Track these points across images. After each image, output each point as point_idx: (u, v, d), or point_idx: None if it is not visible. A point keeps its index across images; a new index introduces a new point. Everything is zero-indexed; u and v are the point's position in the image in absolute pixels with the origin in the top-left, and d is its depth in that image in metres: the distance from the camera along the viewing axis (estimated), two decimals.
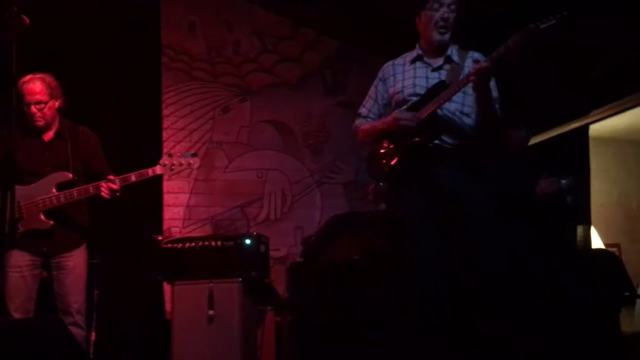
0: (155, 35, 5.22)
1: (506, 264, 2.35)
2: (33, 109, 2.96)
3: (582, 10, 3.67)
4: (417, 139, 2.42)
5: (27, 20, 2.24)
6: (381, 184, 2.79)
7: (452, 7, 2.45)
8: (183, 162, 3.05)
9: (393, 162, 2.47)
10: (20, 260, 2.90)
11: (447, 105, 2.43)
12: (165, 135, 5.23)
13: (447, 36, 2.48)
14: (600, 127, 4.86)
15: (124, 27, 4.84)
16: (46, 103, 2.99)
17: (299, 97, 5.64)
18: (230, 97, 5.50)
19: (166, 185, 5.14)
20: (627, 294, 4.68)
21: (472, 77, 2.25)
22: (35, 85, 2.96)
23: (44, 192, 2.92)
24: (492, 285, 2.29)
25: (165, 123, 5.26)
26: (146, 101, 5.08)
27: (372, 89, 2.73)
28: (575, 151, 4.54)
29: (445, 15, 2.45)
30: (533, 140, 4.10)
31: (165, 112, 5.27)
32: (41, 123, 3.01)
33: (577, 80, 4.25)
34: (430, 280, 2.35)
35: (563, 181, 3.56)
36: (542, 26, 2.13)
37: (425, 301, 2.36)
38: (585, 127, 4.57)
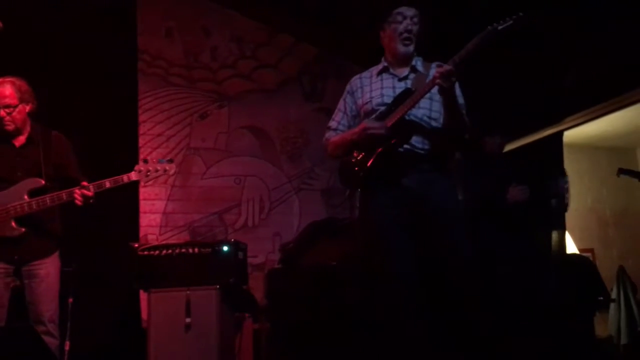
0: (131, 40, 5.19)
1: (474, 267, 2.38)
2: (2, 112, 2.91)
3: (554, 17, 3.75)
4: (390, 142, 2.45)
5: (1, 24, 2.20)
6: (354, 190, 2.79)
7: (415, 19, 2.55)
8: (159, 168, 3.01)
9: (364, 170, 2.50)
10: None
11: (414, 111, 2.48)
12: (141, 141, 5.18)
13: (411, 47, 2.58)
14: (574, 134, 4.94)
15: (100, 32, 4.80)
16: (15, 107, 2.93)
17: (277, 103, 5.64)
18: (208, 103, 5.47)
19: (142, 191, 5.09)
20: (601, 298, 4.76)
21: (437, 80, 2.31)
22: (5, 89, 2.91)
23: (15, 199, 2.86)
24: (461, 290, 2.32)
25: (142, 129, 5.21)
26: (122, 107, 5.04)
27: (341, 102, 2.79)
28: (550, 157, 4.61)
29: (409, 27, 2.54)
30: (508, 147, 4.15)
31: (141, 117, 5.22)
32: (10, 127, 2.95)
33: (551, 88, 4.32)
34: (404, 291, 2.37)
35: (551, 184, 3.63)
36: (500, 27, 2.23)
37: (400, 313, 2.37)
38: (560, 134, 4.65)
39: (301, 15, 5.25)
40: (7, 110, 2.91)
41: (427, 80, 2.45)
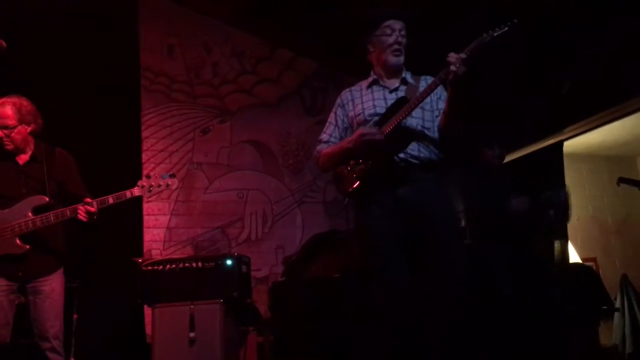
0: (134, 57, 5.24)
1: (468, 280, 2.38)
2: (0, 133, 2.94)
3: (555, 26, 3.78)
4: (386, 149, 2.45)
5: (4, 44, 2.24)
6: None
7: (403, 32, 2.58)
8: (161, 183, 3.03)
9: (360, 180, 2.50)
10: None
11: (408, 121, 2.49)
12: (145, 157, 5.22)
13: (401, 58, 2.60)
14: (575, 144, 4.96)
15: (103, 49, 4.85)
16: (14, 128, 2.95)
17: (278, 117, 5.68)
18: (210, 118, 5.52)
19: (146, 207, 5.12)
20: (605, 307, 4.74)
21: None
22: (5, 110, 2.93)
23: (19, 216, 2.88)
24: (455, 302, 2.31)
25: (145, 145, 5.25)
26: (126, 123, 5.08)
27: (332, 115, 2.80)
28: (550, 167, 4.62)
29: (399, 39, 2.57)
30: (508, 158, 4.17)
31: (144, 133, 5.27)
32: (10, 147, 2.98)
33: (551, 97, 4.34)
34: (398, 302, 2.36)
35: (551, 194, 3.63)
36: (496, 34, 2.24)
37: (394, 327, 2.36)
38: (560, 144, 4.67)
39: (300, 30, 5.30)
40: (5, 131, 2.94)
41: (418, 92, 2.47)
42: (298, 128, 5.73)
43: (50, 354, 2.81)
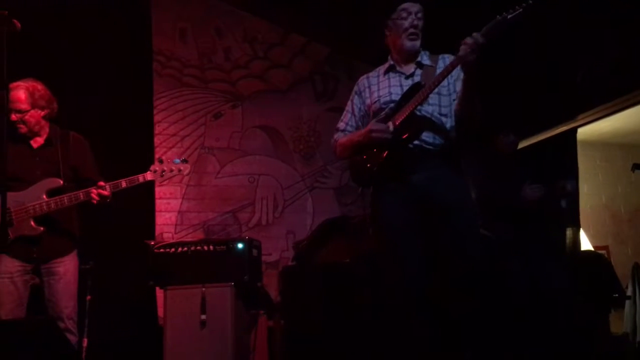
0: (146, 42, 5.25)
1: (483, 267, 2.38)
2: (13, 116, 2.96)
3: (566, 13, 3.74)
4: (399, 139, 2.43)
5: (19, 25, 2.25)
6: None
7: (419, 15, 2.55)
8: (173, 168, 3.06)
9: (375, 167, 2.50)
10: (10, 266, 2.89)
11: (424, 107, 2.48)
12: (157, 141, 5.24)
13: (417, 42, 2.57)
14: (588, 131, 4.92)
15: (116, 34, 4.87)
16: (27, 112, 2.98)
17: (289, 103, 5.67)
18: (222, 103, 5.52)
19: (158, 191, 5.15)
20: (616, 295, 4.73)
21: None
22: (18, 93, 2.95)
23: (34, 199, 2.92)
24: (471, 288, 2.32)
25: (157, 129, 5.27)
26: (138, 107, 5.09)
27: (349, 103, 2.79)
28: (563, 155, 4.59)
29: (415, 22, 2.54)
30: (521, 145, 4.14)
31: (156, 118, 5.29)
32: (23, 130, 3.01)
33: (564, 84, 4.31)
34: (412, 291, 2.37)
35: (564, 184, 3.61)
36: (510, 16, 2.22)
37: (407, 312, 2.38)
38: (573, 131, 4.63)
39: (312, 15, 5.27)
40: (18, 115, 2.97)
41: (436, 74, 2.44)
42: (309, 114, 5.72)
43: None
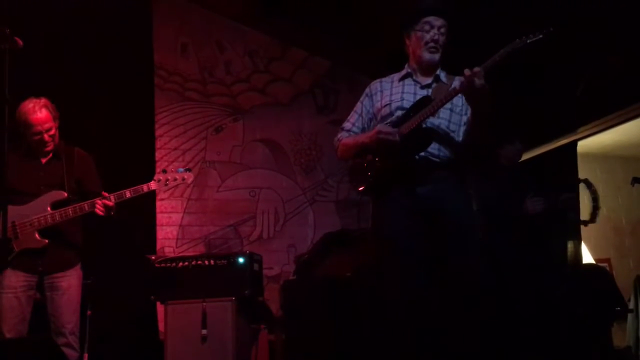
0: (148, 56, 5.28)
1: (487, 277, 2.38)
2: (46, 137, 2.98)
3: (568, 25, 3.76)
4: (404, 150, 2.42)
5: (20, 42, 2.26)
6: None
7: (442, 30, 2.51)
8: (177, 177, 3.07)
9: (376, 175, 2.49)
10: (14, 280, 2.89)
11: (433, 120, 2.46)
12: (158, 155, 5.26)
13: (437, 56, 2.54)
14: (588, 144, 4.92)
15: (117, 48, 4.89)
16: (52, 129, 3.01)
17: (290, 116, 5.69)
18: (223, 117, 5.54)
19: (159, 204, 5.16)
20: (618, 308, 4.70)
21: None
22: (43, 114, 2.96)
23: (38, 211, 2.93)
24: (473, 302, 2.31)
25: (159, 143, 5.29)
26: (139, 122, 5.13)
27: (358, 104, 2.76)
28: (563, 167, 4.59)
29: (436, 37, 2.51)
30: (522, 158, 4.15)
31: (158, 132, 5.31)
32: (50, 147, 3.04)
33: (565, 97, 4.32)
34: (414, 304, 2.36)
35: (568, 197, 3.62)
36: (529, 41, 2.21)
37: (409, 324, 2.36)
38: (574, 144, 4.63)
39: (313, 29, 5.31)
40: (49, 133, 2.99)
41: (450, 90, 2.42)
42: (310, 127, 5.73)
43: (65, 349, 2.86)
